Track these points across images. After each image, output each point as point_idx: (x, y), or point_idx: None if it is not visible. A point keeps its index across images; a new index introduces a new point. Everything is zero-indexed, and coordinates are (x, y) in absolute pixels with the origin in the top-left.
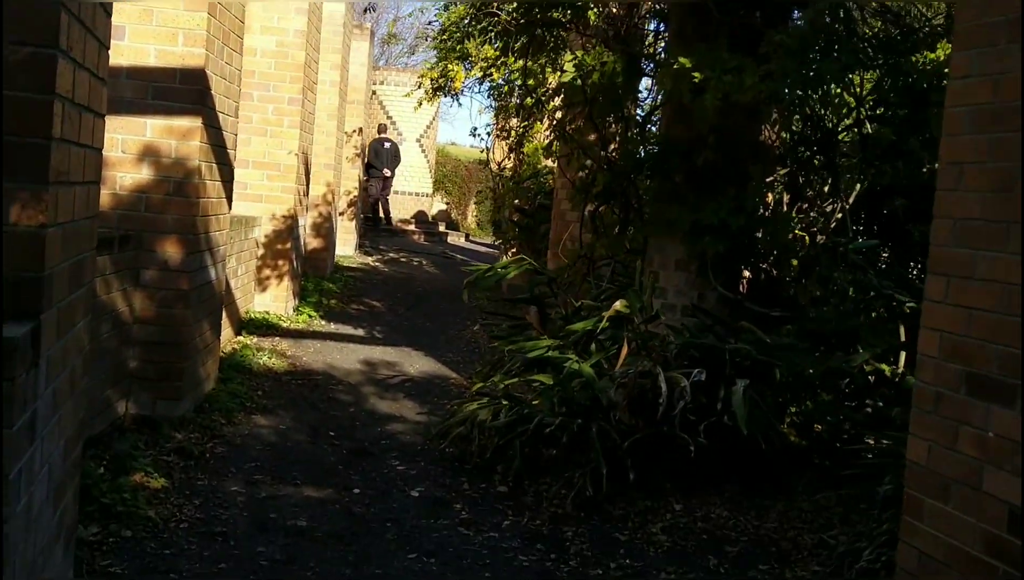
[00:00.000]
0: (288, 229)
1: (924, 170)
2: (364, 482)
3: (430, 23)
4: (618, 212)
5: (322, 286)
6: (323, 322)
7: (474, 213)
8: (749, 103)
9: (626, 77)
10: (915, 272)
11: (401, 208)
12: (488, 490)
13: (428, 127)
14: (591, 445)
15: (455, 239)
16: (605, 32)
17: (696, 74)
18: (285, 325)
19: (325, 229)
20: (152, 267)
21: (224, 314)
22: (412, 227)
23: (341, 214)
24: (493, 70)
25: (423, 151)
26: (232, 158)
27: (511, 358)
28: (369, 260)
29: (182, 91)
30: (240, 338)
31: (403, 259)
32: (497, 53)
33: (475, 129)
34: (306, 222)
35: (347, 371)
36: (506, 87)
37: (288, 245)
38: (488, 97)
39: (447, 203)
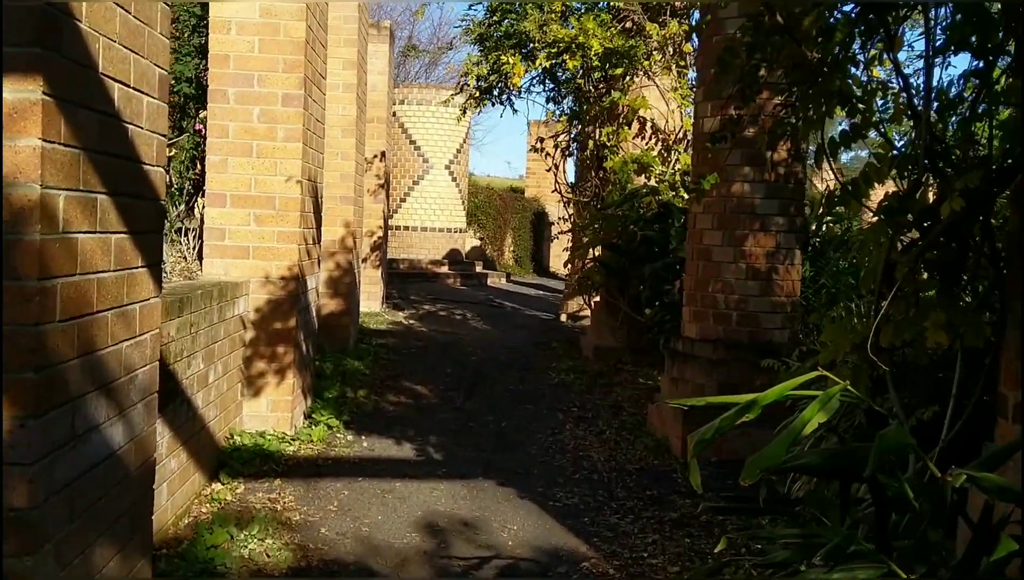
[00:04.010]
0: (291, 297)
1: None
2: None
3: (465, 17)
4: (945, 265)
5: (344, 367)
6: (349, 436)
7: (511, 248)
8: None
9: None
10: None
11: (431, 247)
12: None
13: (459, 152)
14: None
15: (496, 281)
16: None
17: None
18: (291, 451)
19: (345, 285)
20: None
21: (185, 452)
22: (445, 269)
23: (364, 261)
24: (567, 56)
25: (454, 180)
26: (156, 183)
27: None
28: (400, 316)
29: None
30: (216, 488)
31: (442, 313)
32: (576, 30)
33: (541, 140)
34: (318, 279)
35: (397, 552)
36: (582, 80)
37: (292, 322)
38: (552, 100)
39: (481, 238)
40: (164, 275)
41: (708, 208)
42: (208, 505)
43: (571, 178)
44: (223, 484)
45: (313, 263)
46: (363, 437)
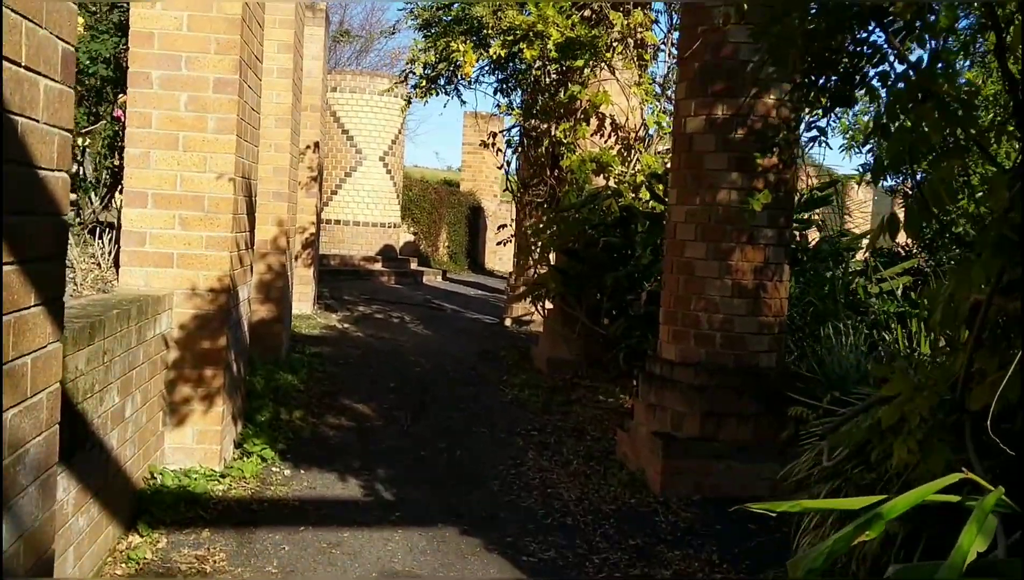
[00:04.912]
0: (221, 311)
1: None
2: None
3: (409, 1)
4: None
5: (277, 381)
6: (286, 470)
7: (446, 244)
8: None
9: None
10: None
11: (364, 243)
12: None
13: (394, 143)
14: None
15: (432, 278)
16: None
17: None
18: (220, 491)
19: (278, 290)
20: None
21: (97, 505)
22: (379, 266)
23: (295, 259)
24: (524, 45)
25: (388, 172)
26: (57, 193)
27: None
28: (334, 319)
29: None
30: (134, 542)
31: (379, 315)
32: (535, 16)
33: (494, 135)
34: (251, 288)
35: None
36: (538, 71)
37: (222, 340)
38: (501, 91)
39: (415, 233)
40: (73, 288)
41: (691, 217)
42: (124, 565)
43: (516, 175)
44: (142, 536)
45: (246, 271)
46: (302, 471)
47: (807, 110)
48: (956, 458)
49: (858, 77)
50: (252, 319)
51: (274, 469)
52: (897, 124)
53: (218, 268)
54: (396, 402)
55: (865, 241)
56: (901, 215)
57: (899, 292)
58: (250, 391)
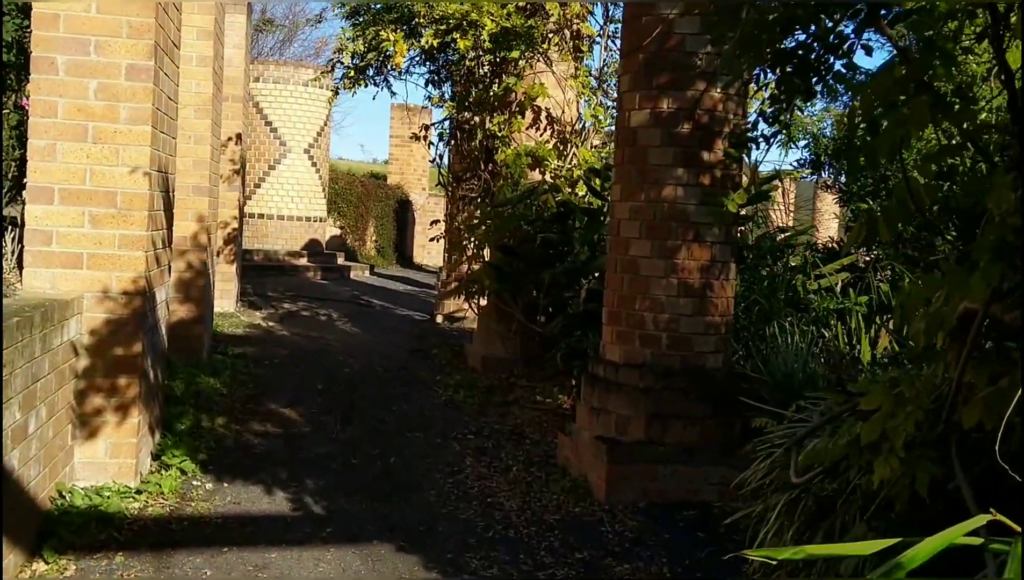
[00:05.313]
0: (136, 315)
1: None
2: None
3: None
4: None
5: (198, 385)
6: (208, 483)
7: (373, 238)
8: None
9: None
10: None
11: (289, 237)
12: None
13: (319, 135)
14: None
15: (359, 273)
16: None
17: None
18: (136, 509)
19: (198, 289)
20: None
21: None
22: (305, 261)
23: (217, 255)
24: (457, 34)
25: (314, 164)
26: None
27: None
28: (259, 317)
29: None
30: (38, 569)
31: (305, 313)
32: (468, 5)
33: (426, 128)
34: (169, 288)
35: None
36: (472, 62)
37: (137, 346)
38: (432, 83)
39: (342, 228)
40: None
41: (635, 213)
42: None
43: (448, 169)
44: (48, 563)
45: (163, 271)
46: (225, 484)
47: (759, 104)
48: (940, 471)
49: (823, 68)
50: (171, 320)
51: (195, 482)
52: (889, 117)
53: (132, 269)
54: (325, 405)
55: (803, 237)
56: (836, 211)
57: (838, 288)
58: (169, 397)
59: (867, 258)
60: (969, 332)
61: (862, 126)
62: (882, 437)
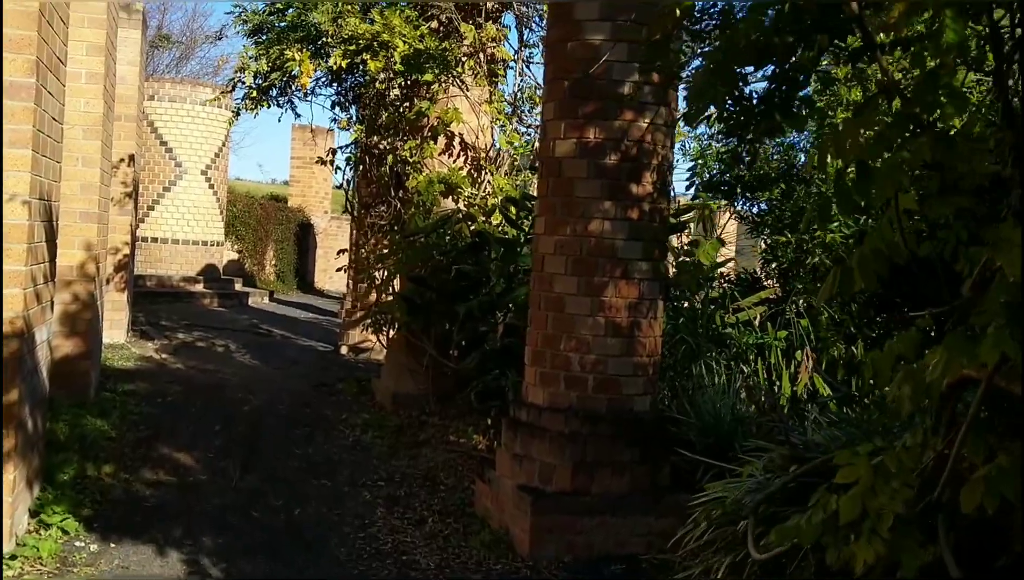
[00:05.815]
0: (13, 360)
1: None
2: None
3: (237, 5)
4: None
5: (84, 428)
6: (93, 545)
7: (272, 263)
8: None
9: None
10: None
11: (184, 262)
12: None
13: (217, 156)
14: None
15: (258, 300)
16: None
17: None
18: (8, 579)
19: (85, 322)
20: None
21: None
22: (200, 287)
23: (107, 282)
24: (367, 55)
25: (211, 186)
26: None
27: None
28: (151, 349)
29: None
30: None
31: (201, 343)
32: (379, 25)
33: (333, 152)
34: (51, 326)
35: None
36: (382, 84)
37: (13, 394)
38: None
39: (240, 252)
40: None
41: (561, 248)
42: None
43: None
44: None
45: (44, 309)
46: (112, 544)
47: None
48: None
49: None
50: (55, 357)
51: (78, 543)
52: (886, 157)
53: (9, 309)
54: (223, 449)
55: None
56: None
57: (756, 322)
58: (51, 442)
59: (785, 290)
60: (954, 400)
61: (849, 170)
62: (857, 521)
